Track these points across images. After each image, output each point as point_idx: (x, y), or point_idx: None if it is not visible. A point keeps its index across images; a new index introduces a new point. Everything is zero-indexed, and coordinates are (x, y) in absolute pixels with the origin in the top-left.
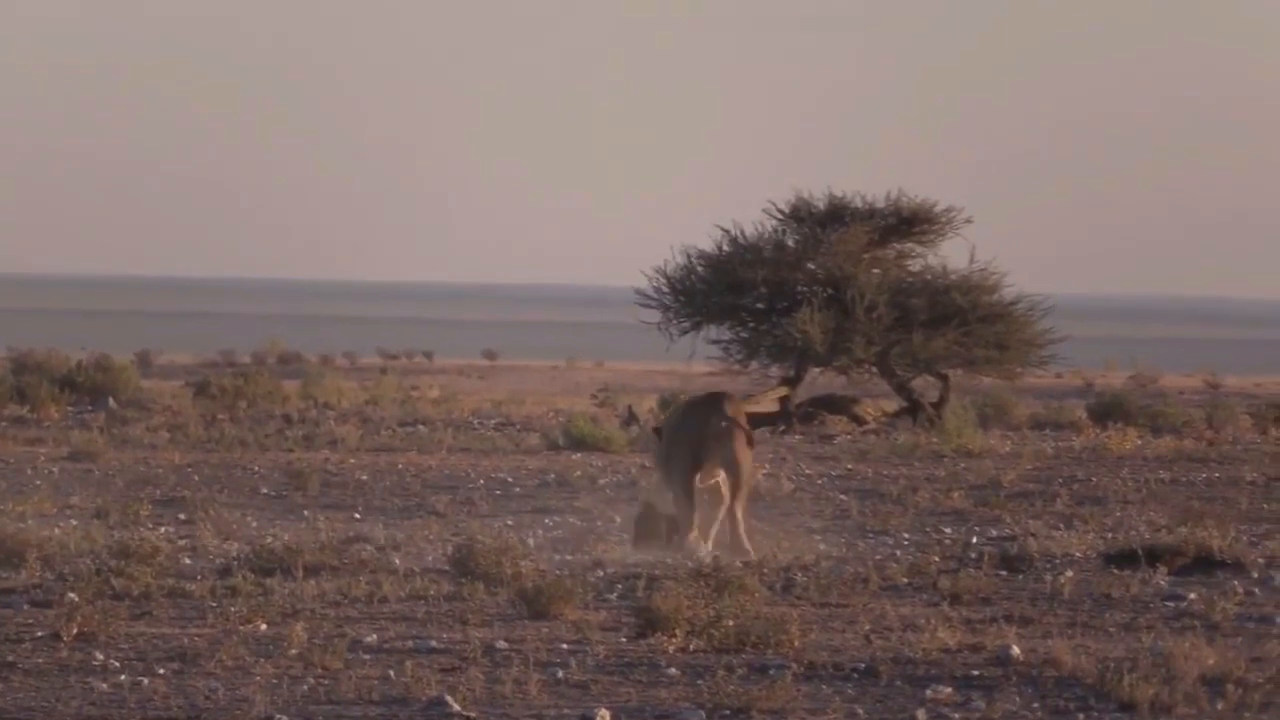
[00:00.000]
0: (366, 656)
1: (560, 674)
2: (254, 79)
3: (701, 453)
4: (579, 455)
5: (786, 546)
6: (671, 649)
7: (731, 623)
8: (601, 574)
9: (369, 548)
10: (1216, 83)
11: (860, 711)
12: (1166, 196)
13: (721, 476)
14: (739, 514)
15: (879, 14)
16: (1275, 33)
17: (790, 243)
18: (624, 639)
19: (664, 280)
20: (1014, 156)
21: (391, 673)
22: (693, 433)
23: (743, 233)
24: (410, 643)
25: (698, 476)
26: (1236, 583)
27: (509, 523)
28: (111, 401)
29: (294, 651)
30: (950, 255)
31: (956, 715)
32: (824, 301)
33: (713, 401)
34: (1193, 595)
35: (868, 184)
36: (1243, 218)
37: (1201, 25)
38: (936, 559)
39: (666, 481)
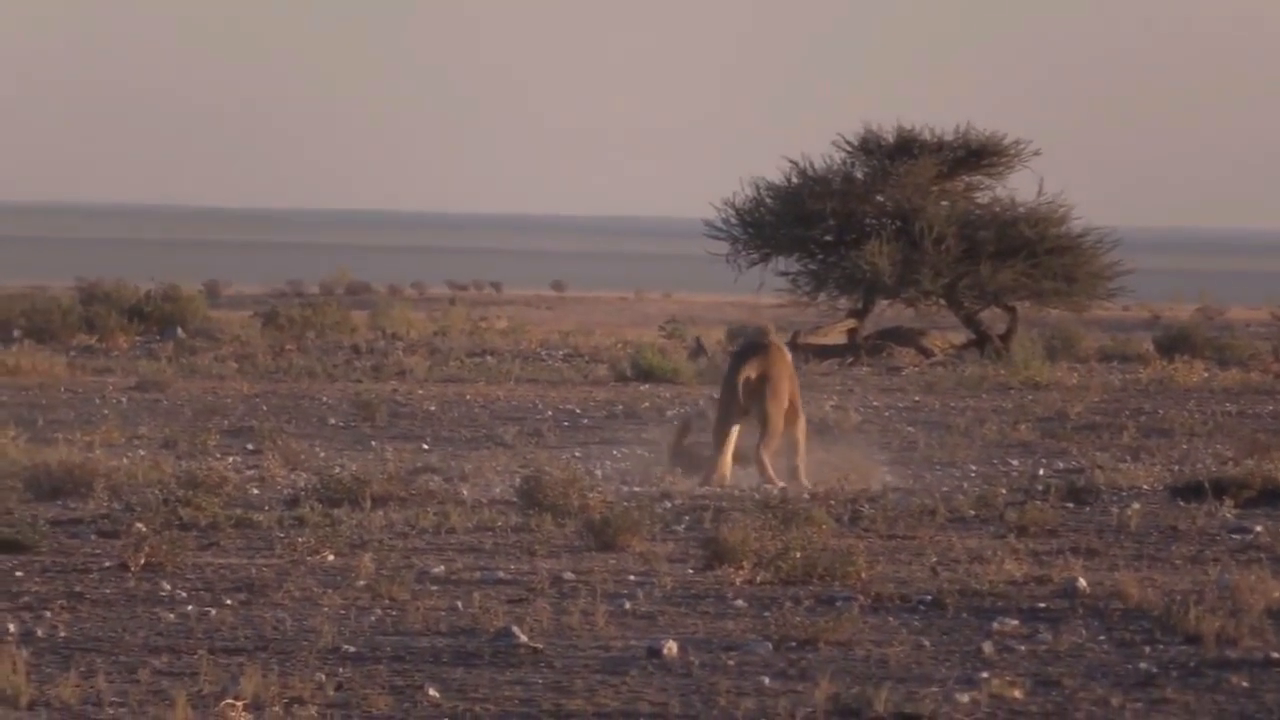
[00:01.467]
0: (434, 587)
1: (627, 605)
2: (321, 5)
3: (733, 403)
4: (647, 386)
5: (854, 479)
6: (738, 581)
7: (799, 554)
8: (669, 505)
9: (436, 479)
10: None
11: (926, 643)
12: (1235, 128)
13: (756, 425)
14: (766, 457)
15: None
16: None
17: (859, 175)
18: (691, 570)
19: (733, 212)
20: (1083, 88)
21: (459, 604)
22: (731, 383)
23: (811, 165)
24: (477, 574)
25: (732, 424)
26: None
27: (576, 454)
28: (180, 331)
29: (361, 582)
30: (1018, 187)
31: (1023, 647)
32: (892, 234)
33: (747, 354)
34: (1259, 528)
35: (937, 116)
36: None
37: None
38: (1003, 491)
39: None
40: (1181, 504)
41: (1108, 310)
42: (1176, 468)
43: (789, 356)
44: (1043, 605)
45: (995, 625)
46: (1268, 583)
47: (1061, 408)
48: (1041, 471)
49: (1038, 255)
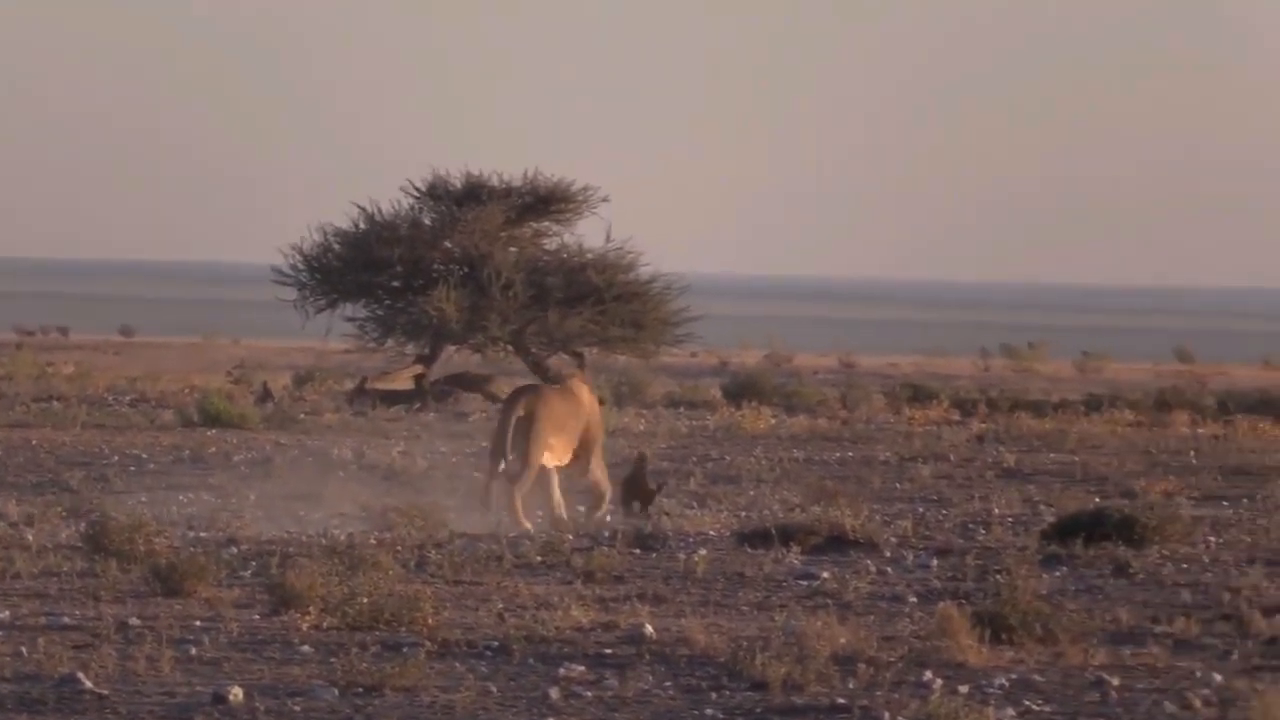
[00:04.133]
0: None
1: (193, 651)
2: None
3: (501, 440)
4: (214, 432)
5: (420, 524)
6: (305, 626)
7: (365, 600)
8: (235, 551)
9: (1, 524)
10: (863, 51)
11: (493, 689)
12: (806, 175)
13: (513, 460)
14: (516, 492)
15: None
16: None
17: (427, 221)
18: (257, 616)
19: (300, 258)
20: (655, 134)
21: (23, 649)
22: (503, 422)
23: (380, 210)
24: (43, 619)
25: (500, 460)
26: (869, 562)
27: (143, 499)
28: None
29: None
30: (587, 234)
31: (589, 693)
32: (460, 280)
33: (515, 396)
34: (825, 574)
35: (506, 163)
36: (881, 198)
37: None
38: (570, 537)
39: None
40: (748, 550)
41: (675, 356)
42: (744, 514)
43: (581, 397)
44: (609, 651)
45: (562, 671)
46: (834, 628)
47: (629, 454)
48: (608, 518)
49: (605, 302)
